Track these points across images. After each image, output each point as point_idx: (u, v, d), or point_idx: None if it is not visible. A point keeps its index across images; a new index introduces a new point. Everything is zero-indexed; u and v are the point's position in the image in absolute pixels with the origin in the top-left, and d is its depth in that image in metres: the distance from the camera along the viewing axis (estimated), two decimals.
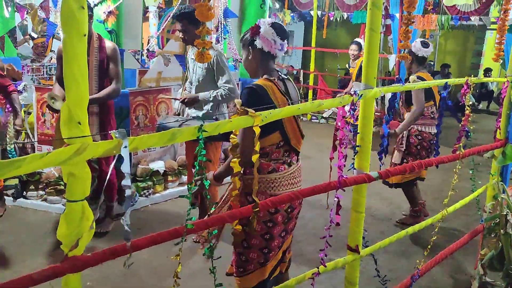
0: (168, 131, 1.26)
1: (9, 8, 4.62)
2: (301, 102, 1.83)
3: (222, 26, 5.00)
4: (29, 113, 5.04)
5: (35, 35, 7.94)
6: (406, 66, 4.27)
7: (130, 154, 1.41)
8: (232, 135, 1.53)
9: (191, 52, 3.72)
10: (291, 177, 2.20)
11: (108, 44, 3.71)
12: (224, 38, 5.06)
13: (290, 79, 2.35)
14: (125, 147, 1.19)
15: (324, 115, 9.69)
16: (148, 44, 7.25)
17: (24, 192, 4.67)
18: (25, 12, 4.59)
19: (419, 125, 4.11)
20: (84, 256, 1.22)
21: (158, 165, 5.01)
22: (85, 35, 1.09)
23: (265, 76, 2.19)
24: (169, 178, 5.06)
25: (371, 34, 1.92)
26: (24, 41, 7.13)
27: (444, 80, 2.66)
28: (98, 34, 3.75)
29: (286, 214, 2.20)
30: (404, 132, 4.12)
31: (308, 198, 2.06)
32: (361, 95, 1.89)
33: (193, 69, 3.65)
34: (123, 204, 4.30)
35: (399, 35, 2.58)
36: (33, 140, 4.97)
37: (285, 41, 2.19)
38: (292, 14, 10.70)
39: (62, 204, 4.51)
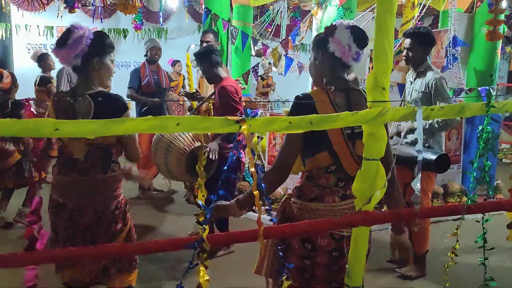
0: (457, 104, 1.33)
1: (255, 47, 5.47)
2: None
3: (450, 54, 4.88)
4: (262, 138, 5.74)
5: (264, 77, 9.33)
6: None
7: None
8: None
9: (410, 75, 3.68)
10: (342, 214, 1.69)
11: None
12: (452, 66, 4.91)
13: (362, 91, 1.89)
14: (420, 115, 1.30)
15: None
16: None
17: (254, 206, 5.28)
18: (268, 50, 5.36)
19: None
20: (375, 212, 1.35)
21: None
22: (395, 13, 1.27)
23: (322, 86, 1.88)
24: None
25: None
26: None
27: None
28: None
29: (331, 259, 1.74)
30: None
31: None
32: None
33: (409, 91, 3.60)
34: None
35: None
36: (263, 162, 5.61)
37: (363, 50, 1.83)
38: None
39: None
